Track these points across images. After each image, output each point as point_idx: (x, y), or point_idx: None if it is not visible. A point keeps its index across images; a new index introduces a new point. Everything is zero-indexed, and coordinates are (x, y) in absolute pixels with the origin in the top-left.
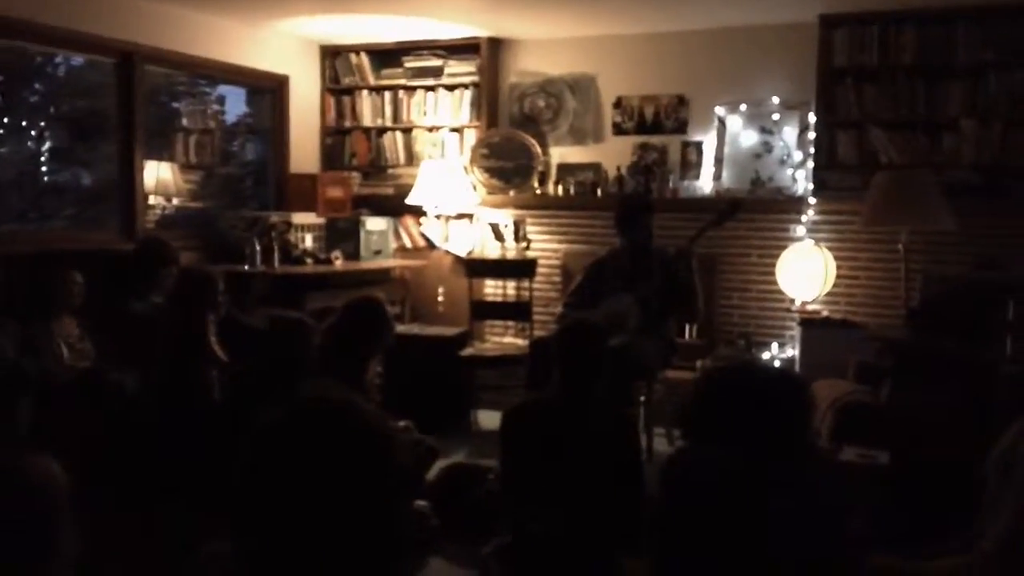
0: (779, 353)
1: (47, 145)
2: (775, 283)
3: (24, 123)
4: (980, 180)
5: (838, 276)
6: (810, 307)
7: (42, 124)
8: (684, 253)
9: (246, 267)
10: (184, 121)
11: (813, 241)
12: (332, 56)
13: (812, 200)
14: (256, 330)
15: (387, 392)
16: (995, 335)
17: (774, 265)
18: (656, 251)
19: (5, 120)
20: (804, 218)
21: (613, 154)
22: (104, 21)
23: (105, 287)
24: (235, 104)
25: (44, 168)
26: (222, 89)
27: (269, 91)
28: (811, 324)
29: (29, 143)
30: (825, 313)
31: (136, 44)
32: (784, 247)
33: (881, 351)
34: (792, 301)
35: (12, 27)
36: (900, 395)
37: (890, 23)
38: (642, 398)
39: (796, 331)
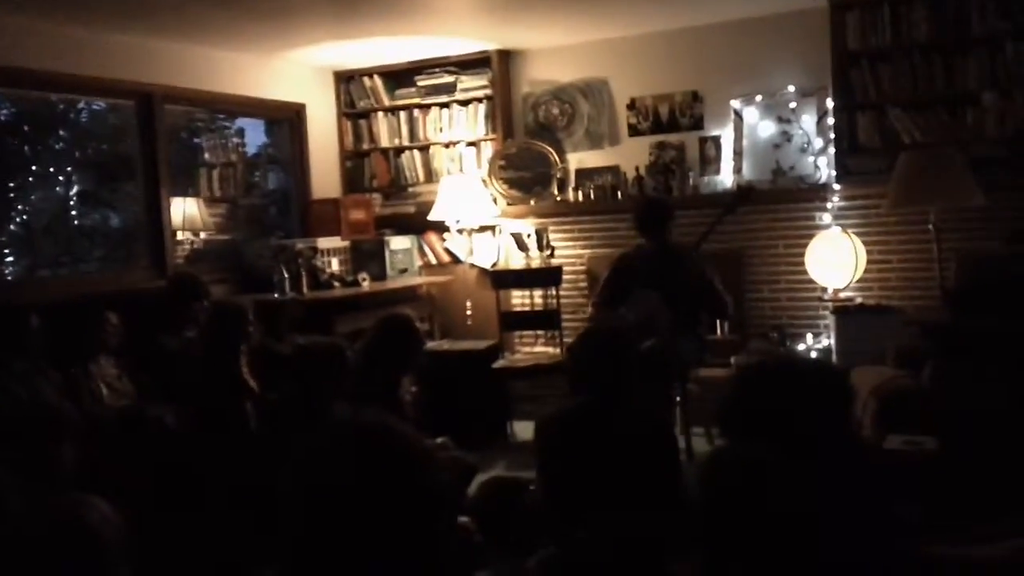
0: (814, 344)
1: (75, 190)
2: (805, 273)
3: (51, 170)
4: (1006, 152)
5: (869, 261)
6: (843, 295)
7: (68, 169)
8: (693, 249)
9: (275, 295)
10: (206, 156)
11: (840, 228)
12: (346, 81)
13: (836, 186)
14: (288, 357)
15: (422, 409)
16: None
17: (802, 255)
18: (679, 248)
19: (33, 168)
20: (829, 205)
21: (631, 156)
22: (121, 65)
23: (139, 325)
24: (255, 135)
25: (74, 213)
26: (241, 122)
27: (287, 120)
28: (845, 312)
29: (57, 189)
30: (859, 300)
31: (154, 85)
32: (811, 236)
33: (920, 334)
34: (824, 290)
35: (32, 77)
36: (943, 378)
37: (901, 1)
38: (678, 398)
39: (830, 320)
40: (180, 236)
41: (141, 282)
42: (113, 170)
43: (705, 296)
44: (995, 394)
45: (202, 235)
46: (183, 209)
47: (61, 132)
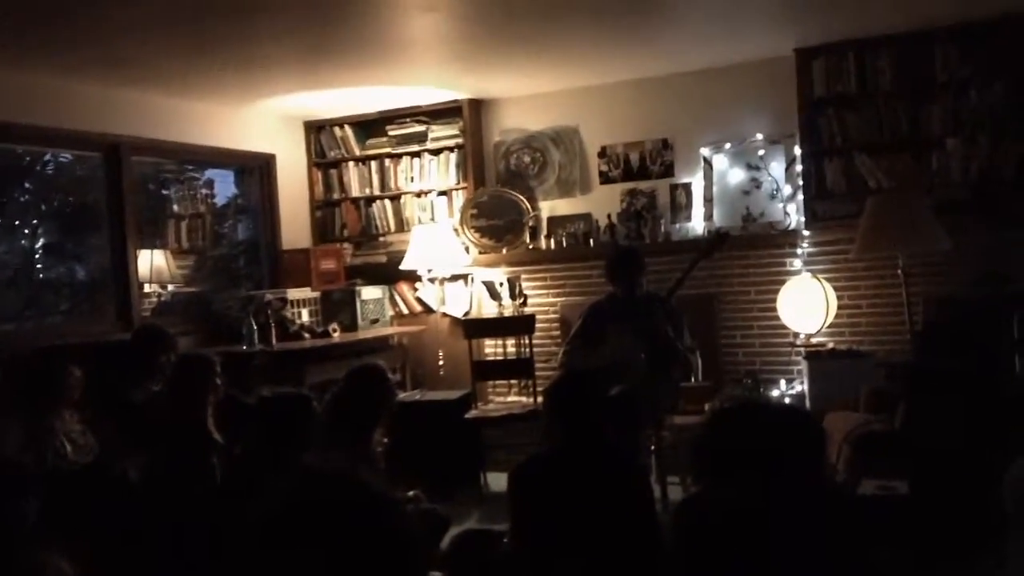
0: (788, 389)
1: (40, 242)
2: (777, 319)
3: (16, 222)
4: (970, 195)
5: (840, 306)
6: (815, 340)
7: (34, 222)
8: (666, 299)
9: (244, 347)
10: (175, 207)
11: (811, 273)
12: (316, 131)
13: (806, 232)
14: (253, 409)
15: (394, 461)
16: (1004, 352)
17: (774, 301)
18: (650, 297)
19: None
20: (799, 251)
21: (602, 203)
22: (88, 116)
23: (104, 378)
24: (224, 186)
25: (39, 265)
26: (210, 172)
27: (256, 170)
28: (817, 357)
29: (23, 241)
30: (830, 345)
31: (121, 136)
32: (782, 281)
33: (890, 378)
34: (796, 335)
35: None
36: (914, 422)
37: (865, 49)
38: (652, 446)
39: (803, 365)
40: (147, 288)
41: (106, 334)
42: (79, 222)
43: (671, 352)
44: (963, 435)
45: (170, 287)
46: (151, 261)
47: (26, 184)
